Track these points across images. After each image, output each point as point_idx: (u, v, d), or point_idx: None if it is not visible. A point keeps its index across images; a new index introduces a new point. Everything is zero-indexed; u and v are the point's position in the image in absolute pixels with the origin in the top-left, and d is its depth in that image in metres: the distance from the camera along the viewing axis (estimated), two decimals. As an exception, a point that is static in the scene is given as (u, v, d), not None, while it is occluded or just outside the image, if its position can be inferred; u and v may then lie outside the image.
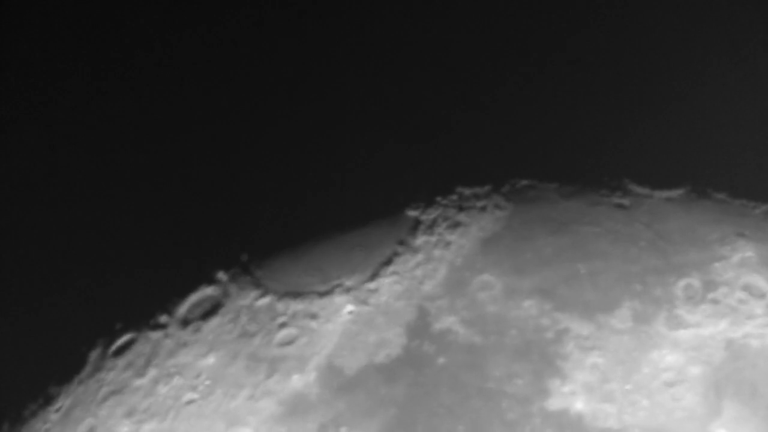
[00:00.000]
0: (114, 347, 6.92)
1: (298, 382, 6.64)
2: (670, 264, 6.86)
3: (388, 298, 6.95)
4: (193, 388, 6.71)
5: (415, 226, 7.28)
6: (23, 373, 6.77)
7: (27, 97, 7.84)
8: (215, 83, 8.02)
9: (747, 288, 6.71)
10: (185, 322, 7.00)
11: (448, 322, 6.75)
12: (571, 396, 6.33)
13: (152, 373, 6.82)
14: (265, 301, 7.05)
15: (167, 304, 7.07)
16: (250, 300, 7.07)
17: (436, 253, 7.12)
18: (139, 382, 6.79)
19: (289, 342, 6.85)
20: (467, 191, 7.42)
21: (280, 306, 7.02)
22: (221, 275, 7.17)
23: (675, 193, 7.27)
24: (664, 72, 7.83)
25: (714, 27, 7.86)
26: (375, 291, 7.00)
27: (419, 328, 6.76)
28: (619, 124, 7.62)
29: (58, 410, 6.72)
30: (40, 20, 8.00)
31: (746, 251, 6.89)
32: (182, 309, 7.06)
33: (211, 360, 6.83)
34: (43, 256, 7.30)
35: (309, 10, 8.12)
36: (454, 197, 7.38)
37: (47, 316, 7.02)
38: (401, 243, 7.21)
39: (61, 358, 6.87)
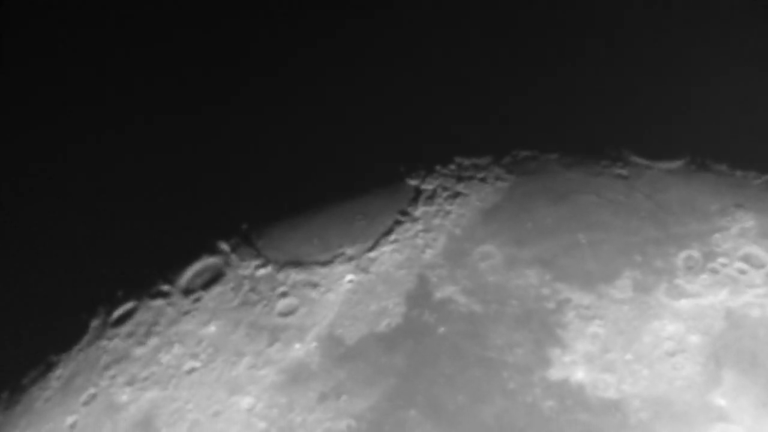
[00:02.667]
0: (115, 316, 6.86)
1: (299, 351, 6.57)
2: (670, 235, 6.80)
3: (389, 267, 6.87)
4: (195, 357, 6.64)
5: (416, 195, 7.19)
6: (24, 341, 6.71)
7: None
8: (215, 53, 7.94)
9: (747, 258, 6.64)
10: (186, 291, 6.93)
11: (448, 291, 6.67)
12: (571, 365, 6.25)
13: (153, 341, 6.75)
14: (266, 270, 6.99)
15: (168, 273, 7.00)
16: (251, 269, 7.00)
17: (437, 222, 7.05)
18: (140, 350, 6.72)
19: (290, 311, 6.78)
20: (466, 161, 7.31)
21: (281, 275, 6.95)
22: (222, 245, 7.09)
23: (675, 164, 7.20)
24: (664, 43, 7.78)
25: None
26: (375, 260, 6.92)
27: (420, 297, 6.69)
28: (620, 94, 7.57)
29: (58, 378, 6.67)
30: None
31: (746, 222, 6.83)
32: (183, 278, 6.99)
33: (212, 329, 6.77)
34: (45, 224, 7.25)
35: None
36: (453, 167, 7.28)
37: (48, 284, 6.95)
38: (402, 212, 7.14)
39: (61, 326, 6.81)
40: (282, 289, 6.89)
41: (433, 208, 7.12)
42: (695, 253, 6.68)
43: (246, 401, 6.37)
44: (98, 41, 8.06)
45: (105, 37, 8.09)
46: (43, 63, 8.04)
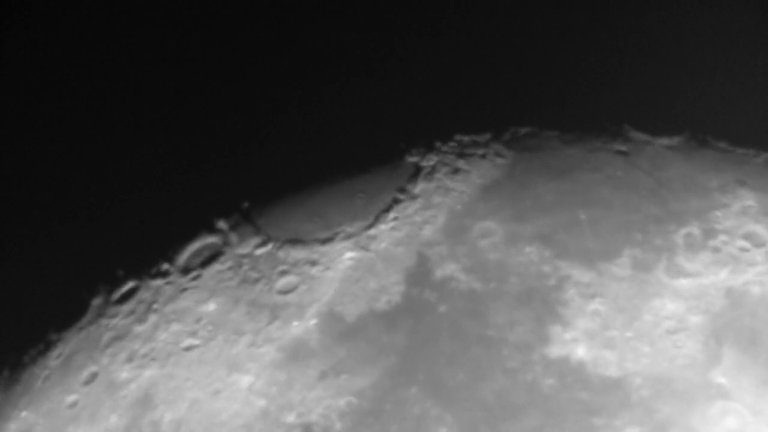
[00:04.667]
0: (115, 294, 6.80)
1: (298, 328, 6.50)
2: (671, 212, 6.71)
3: (389, 245, 6.78)
4: (194, 334, 6.59)
5: (416, 172, 7.08)
6: (24, 319, 6.67)
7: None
8: (214, 32, 7.82)
9: (747, 236, 6.55)
10: (186, 270, 6.86)
11: (448, 269, 6.59)
12: (572, 343, 6.18)
13: (153, 319, 6.69)
14: (266, 248, 6.90)
15: (168, 252, 6.93)
16: (250, 247, 6.91)
17: (436, 199, 6.96)
18: (140, 328, 6.67)
19: (289, 289, 6.70)
20: (466, 138, 7.21)
21: (281, 253, 6.86)
22: (222, 223, 7.00)
23: (675, 140, 7.09)
24: (664, 17, 7.66)
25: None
26: (375, 237, 6.84)
27: (420, 275, 6.61)
28: (620, 70, 7.46)
29: (58, 356, 6.63)
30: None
31: (747, 200, 6.73)
32: (183, 256, 6.91)
33: (212, 306, 6.70)
34: (46, 202, 7.19)
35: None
36: (453, 144, 7.18)
37: (49, 262, 6.91)
38: (401, 189, 7.04)
39: (62, 305, 6.76)
40: (282, 267, 6.81)
41: (432, 185, 7.03)
42: (695, 231, 6.59)
43: (246, 379, 6.31)
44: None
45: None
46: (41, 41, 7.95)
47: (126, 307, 6.77)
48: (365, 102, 7.44)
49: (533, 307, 6.37)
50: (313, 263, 6.78)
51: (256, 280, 6.76)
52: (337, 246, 6.84)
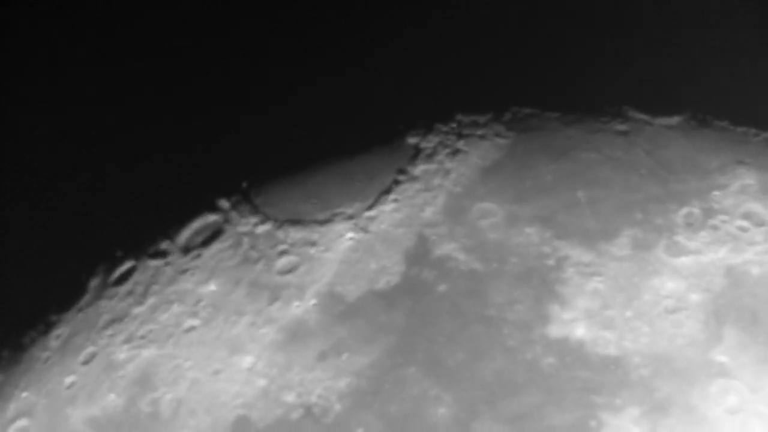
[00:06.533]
0: (114, 275, 6.76)
1: (298, 309, 6.43)
2: (671, 191, 6.62)
3: (388, 226, 6.71)
4: (194, 315, 6.53)
5: (415, 153, 7.01)
6: (23, 301, 6.63)
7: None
8: (213, 11, 7.72)
9: (747, 216, 6.46)
10: (186, 249, 6.80)
11: (448, 249, 6.51)
12: (571, 323, 6.10)
13: (152, 300, 6.63)
14: (266, 228, 6.84)
15: (168, 231, 6.88)
16: (250, 227, 6.85)
17: (436, 180, 6.88)
18: (138, 309, 6.61)
19: (289, 269, 6.63)
20: (466, 119, 7.12)
21: (281, 233, 6.79)
22: (222, 202, 6.94)
23: (675, 120, 7.00)
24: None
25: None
26: (375, 218, 6.77)
27: (419, 255, 6.53)
28: (620, 50, 7.38)
29: (57, 338, 6.60)
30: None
31: (747, 179, 6.63)
32: (183, 236, 6.86)
33: (211, 287, 6.64)
34: (44, 183, 7.17)
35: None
36: (454, 125, 7.10)
37: (47, 243, 6.87)
38: (401, 170, 6.97)
39: (61, 286, 6.73)
40: (282, 247, 6.74)
41: (432, 166, 6.95)
42: (695, 210, 6.50)
43: (246, 360, 6.25)
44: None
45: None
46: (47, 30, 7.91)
47: (125, 287, 6.72)
48: (365, 83, 7.38)
49: (533, 287, 6.29)
50: (313, 244, 6.71)
51: (257, 260, 6.70)
52: (336, 227, 6.77)
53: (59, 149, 7.28)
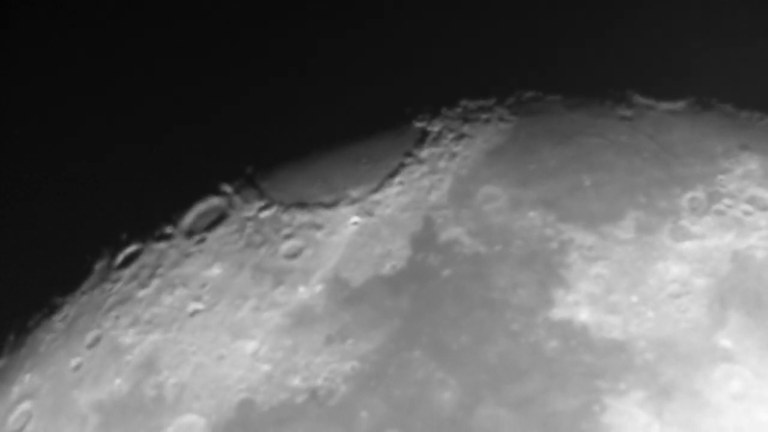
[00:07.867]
0: (119, 258, 6.70)
1: (303, 293, 6.39)
2: (675, 176, 6.56)
3: (394, 210, 6.66)
4: (198, 299, 6.49)
5: (422, 137, 6.93)
6: (28, 284, 6.59)
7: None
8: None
9: (752, 200, 6.40)
10: (190, 233, 6.74)
11: (453, 233, 6.46)
12: (575, 306, 6.05)
13: (157, 283, 6.59)
14: (270, 212, 6.77)
15: (172, 215, 6.82)
16: (255, 211, 6.78)
17: (442, 164, 6.82)
18: (143, 292, 6.57)
19: (294, 253, 6.58)
20: (472, 104, 7.06)
21: (286, 217, 6.73)
22: (226, 186, 6.87)
23: (679, 104, 6.91)
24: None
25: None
26: (380, 202, 6.71)
27: (425, 239, 6.48)
28: (624, 34, 7.28)
29: (63, 320, 6.56)
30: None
31: (751, 163, 6.56)
32: (187, 220, 6.79)
33: (216, 271, 6.59)
34: (49, 167, 7.10)
35: None
36: (459, 110, 7.04)
37: (52, 227, 6.82)
38: (407, 154, 6.89)
39: (66, 268, 6.68)
40: (286, 230, 6.69)
41: (438, 150, 6.88)
42: (700, 195, 6.44)
43: (250, 344, 6.22)
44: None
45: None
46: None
47: (129, 270, 6.68)
48: (371, 67, 7.29)
49: (536, 271, 6.24)
50: (318, 227, 6.65)
51: (261, 244, 6.65)
52: (342, 210, 6.72)
53: (63, 133, 7.21)
